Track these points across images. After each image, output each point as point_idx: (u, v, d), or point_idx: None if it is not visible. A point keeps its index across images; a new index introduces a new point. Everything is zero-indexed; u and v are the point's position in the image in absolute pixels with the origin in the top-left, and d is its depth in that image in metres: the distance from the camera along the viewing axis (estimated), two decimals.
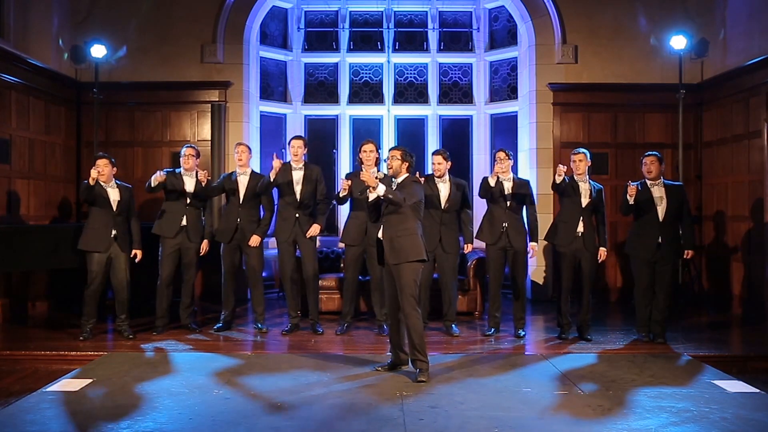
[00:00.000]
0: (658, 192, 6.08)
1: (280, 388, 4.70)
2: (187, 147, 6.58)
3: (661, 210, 6.05)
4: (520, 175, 9.06)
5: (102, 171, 6.14)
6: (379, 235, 5.01)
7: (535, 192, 8.72)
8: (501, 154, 6.38)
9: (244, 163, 6.53)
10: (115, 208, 6.20)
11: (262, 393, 4.59)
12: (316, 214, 6.51)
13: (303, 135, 8.04)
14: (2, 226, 7.00)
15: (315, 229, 6.44)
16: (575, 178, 6.30)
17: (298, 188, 6.43)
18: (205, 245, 6.58)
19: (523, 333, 6.44)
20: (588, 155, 6.33)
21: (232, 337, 6.46)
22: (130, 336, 6.24)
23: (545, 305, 8.36)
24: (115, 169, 6.29)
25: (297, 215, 6.42)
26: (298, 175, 6.45)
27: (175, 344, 6.07)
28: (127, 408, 4.26)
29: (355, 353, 5.74)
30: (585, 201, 6.24)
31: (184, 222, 6.44)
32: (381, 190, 4.83)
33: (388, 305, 5.16)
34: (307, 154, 6.65)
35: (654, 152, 6.23)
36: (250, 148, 6.67)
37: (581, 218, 6.23)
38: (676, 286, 7.53)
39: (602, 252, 6.29)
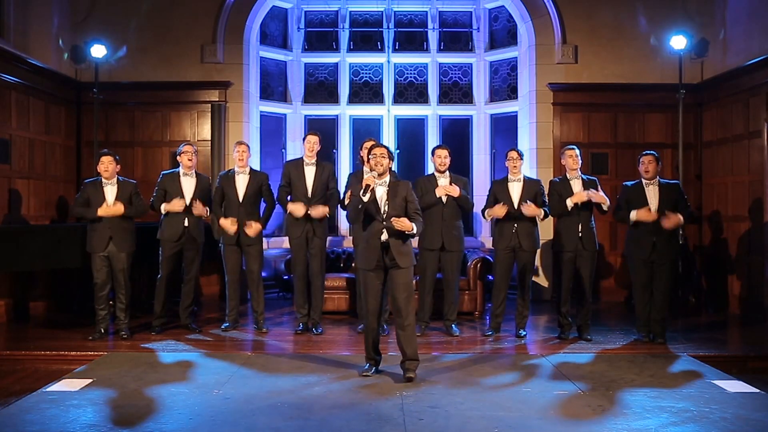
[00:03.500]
0: (652, 192, 6.09)
1: (280, 388, 4.70)
2: (185, 145, 6.55)
3: (653, 209, 6.05)
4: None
5: (106, 168, 6.19)
6: (384, 239, 4.87)
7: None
8: (513, 154, 6.38)
9: (245, 163, 6.52)
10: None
11: (262, 393, 4.59)
12: (327, 201, 6.50)
13: (303, 136, 8.08)
14: (3, 226, 7.01)
15: (322, 210, 6.37)
16: (567, 176, 6.30)
17: (309, 184, 6.42)
18: (201, 207, 6.43)
19: (524, 333, 6.44)
20: (579, 153, 6.33)
21: (232, 337, 6.45)
22: (124, 335, 6.23)
23: (545, 305, 8.37)
24: (119, 166, 6.31)
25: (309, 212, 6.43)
26: (310, 172, 6.45)
27: (174, 344, 6.07)
28: (127, 408, 4.27)
29: (355, 353, 5.74)
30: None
31: (186, 223, 6.42)
32: (416, 229, 4.79)
33: (372, 308, 4.96)
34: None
35: (651, 152, 6.24)
36: (249, 147, 6.65)
37: (578, 220, 6.20)
38: (676, 287, 7.54)
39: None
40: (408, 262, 4.90)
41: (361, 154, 6.40)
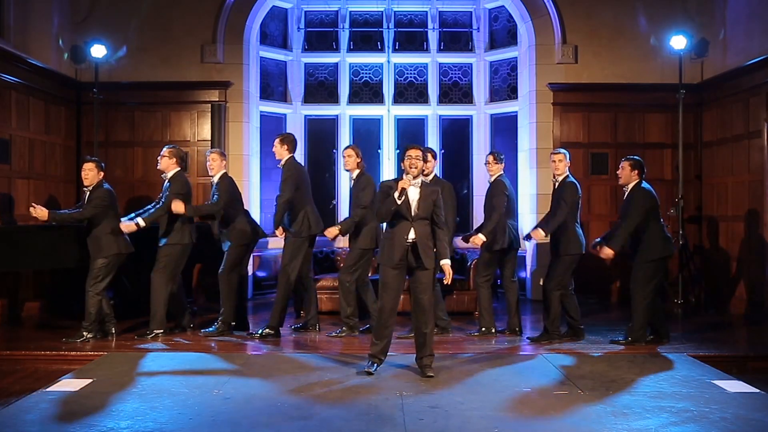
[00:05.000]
0: (624, 196, 6.08)
1: (280, 388, 4.70)
2: (166, 148, 6.44)
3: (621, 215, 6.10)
4: (520, 176, 9.12)
5: (86, 175, 6.14)
6: (411, 238, 4.93)
7: (534, 192, 8.76)
8: (489, 158, 6.47)
9: (215, 171, 6.40)
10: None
11: (262, 393, 4.59)
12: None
13: (304, 136, 8.20)
14: (2, 226, 7.01)
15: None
16: (553, 179, 6.29)
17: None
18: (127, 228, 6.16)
19: (475, 333, 6.50)
20: (567, 155, 6.28)
21: (232, 337, 6.44)
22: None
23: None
24: (102, 173, 6.22)
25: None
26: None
27: (174, 344, 6.07)
28: (127, 408, 4.27)
29: (355, 353, 5.74)
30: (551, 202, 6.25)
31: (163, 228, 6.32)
32: (448, 263, 5.03)
33: (390, 307, 4.99)
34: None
35: (631, 157, 6.12)
36: (223, 154, 6.50)
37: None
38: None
39: (535, 233, 6.18)
40: (432, 264, 4.96)
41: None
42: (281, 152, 6.44)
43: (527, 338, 6.33)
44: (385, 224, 5.16)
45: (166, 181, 6.36)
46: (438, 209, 5.00)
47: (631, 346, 5.96)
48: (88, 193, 6.17)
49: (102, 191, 6.14)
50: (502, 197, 6.28)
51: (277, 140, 6.49)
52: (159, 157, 6.40)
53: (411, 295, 5.07)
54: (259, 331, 6.40)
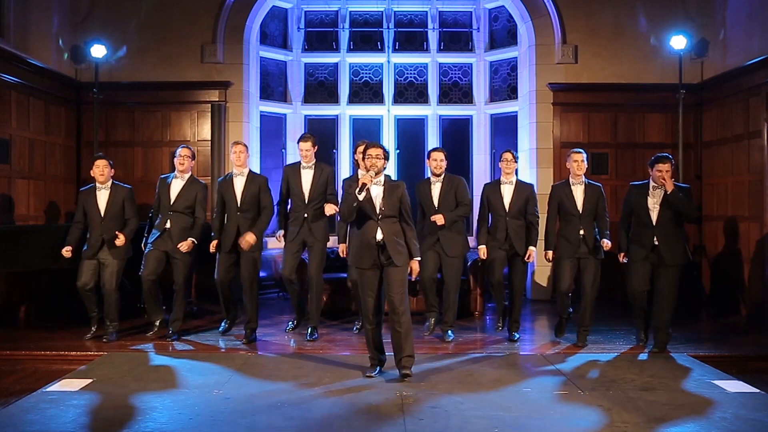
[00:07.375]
0: (657, 195, 5.83)
1: (280, 388, 4.71)
2: (182, 147, 6.42)
3: (654, 214, 5.82)
4: (520, 176, 9.10)
5: (102, 171, 6.19)
6: (379, 238, 4.87)
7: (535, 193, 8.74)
8: (508, 155, 6.35)
9: (242, 164, 6.28)
10: (103, 213, 6.17)
11: (262, 393, 4.59)
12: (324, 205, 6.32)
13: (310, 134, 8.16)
14: (3, 226, 7.01)
15: (328, 209, 6.26)
16: (570, 180, 6.09)
17: (306, 189, 6.29)
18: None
19: (517, 336, 6.33)
20: (586, 158, 6.15)
21: (232, 337, 6.44)
22: (104, 339, 6.13)
23: (545, 305, 8.36)
24: (113, 170, 6.29)
25: (306, 215, 6.27)
26: (307, 175, 6.32)
27: (174, 344, 6.07)
28: (127, 408, 4.27)
29: (355, 353, 5.74)
30: (581, 205, 6.01)
31: (168, 225, 6.21)
32: (417, 260, 5.02)
33: (372, 307, 4.94)
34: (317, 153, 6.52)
35: (667, 156, 5.89)
36: (248, 147, 6.47)
37: (579, 225, 5.97)
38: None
39: (606, 244, 5.94)
40: (403, 261, 4.91)
41: (356, 158, 6.35)
42: (313, 154, 6.40)
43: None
44: (350, 225, 5.06)
45: (184, 182, 6.28)
46: (404, 205, 4.94)
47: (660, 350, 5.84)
48: (105, 191, 6.21)
49: (129, 191, 6.37)
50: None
51: (310, 142, 6.34)
52: (181, 158, 6.29)
53: (384, 295, 4.98)
54: (244, 338, 6.28)
